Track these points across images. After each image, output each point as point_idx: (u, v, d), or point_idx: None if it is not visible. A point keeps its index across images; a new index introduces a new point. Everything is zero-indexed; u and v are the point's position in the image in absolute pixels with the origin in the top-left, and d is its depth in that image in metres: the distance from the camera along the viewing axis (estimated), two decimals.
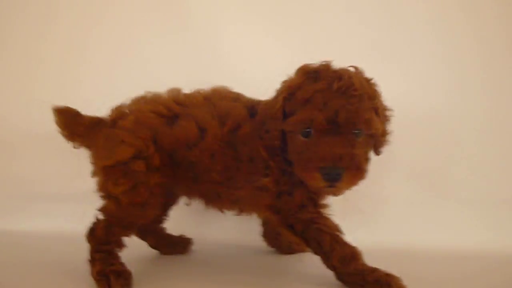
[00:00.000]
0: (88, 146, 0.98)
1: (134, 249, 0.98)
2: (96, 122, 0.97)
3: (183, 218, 1.21)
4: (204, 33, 1.31)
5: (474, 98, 1.20)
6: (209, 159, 0.89)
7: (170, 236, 1.16)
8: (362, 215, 1.02)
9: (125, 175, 0.89)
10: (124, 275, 0.88)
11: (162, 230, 1.15)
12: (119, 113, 0.95)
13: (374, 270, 0.85)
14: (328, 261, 0.87)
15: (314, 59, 0.85)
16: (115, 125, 0.93)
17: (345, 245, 0.86)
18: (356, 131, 0.79)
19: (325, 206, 0.90)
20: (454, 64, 1.21)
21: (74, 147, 1.00)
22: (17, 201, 1.40)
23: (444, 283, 0.91)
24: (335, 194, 0.86)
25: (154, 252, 1.15)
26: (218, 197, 0.94)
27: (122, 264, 0.91)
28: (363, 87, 0.80)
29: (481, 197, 1.20)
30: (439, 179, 1.22)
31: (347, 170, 0.77)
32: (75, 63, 1.37)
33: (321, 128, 0.78)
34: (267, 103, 0.89)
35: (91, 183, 1.32)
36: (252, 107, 0.92)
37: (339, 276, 0.87)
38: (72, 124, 0.97)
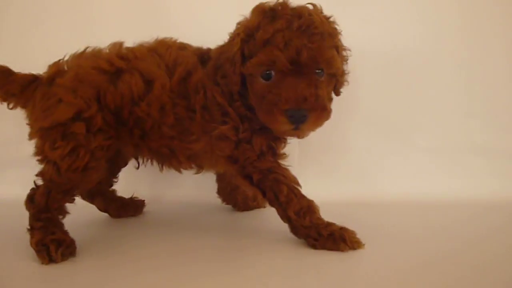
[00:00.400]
0: (23, 106, 0.91)
1: (81, 214, 0.93)
2: (31, 80, 0.89)
3: (135, 179, 1.17)
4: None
5: (439, 44, 1.18)
6: (158, 113, 0.84)
7: (120, 199, 1.11)
8: (320, 167, 1.00)
9: (64, 137, 0.83)
10: (65, 243, 0.83)
11: (112, 192, 1.10)
12: (56, 70, 0.88)
13: (329, 224, 0.84)
14: (283, 213, 0.85)
15: None
16: (52, 82, 0.86)
17: (302, 197, 0.85)
18: (318, 71, 0.77)
19: (283, 156, 0.88)
20: (418, 8, 1.18)
21: (9, 108, 0.92)
22: None
23: (403, 233, 0.92)
24: (299, 136, 0.85)
25: (103, 215, 1.11)
26: (172, 154, 0.90)
27: (64, 232, 0.86)
28: (324, 25, 0.78)
29: (443, 145, 1.20)
30: (399, 127, 1.21)
31: (312, 111, 0.76)
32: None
33: (283, 69, 0.76)
34: (222, 47, 0.85)
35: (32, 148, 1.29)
36: (201, 54, 0.87)
37: (294, 229, 0.86)
38: (4, 82, 0.89)
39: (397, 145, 1.21)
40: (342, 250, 0.82)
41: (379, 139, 1.22)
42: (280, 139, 0.87)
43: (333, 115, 0.82)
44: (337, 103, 0.86)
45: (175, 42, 0.90)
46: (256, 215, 1.11)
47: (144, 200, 1.15)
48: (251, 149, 0.85)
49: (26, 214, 0.89)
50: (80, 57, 0.89)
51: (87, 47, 0.91)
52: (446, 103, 1.19)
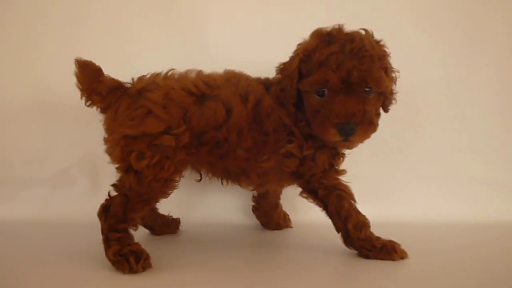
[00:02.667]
0: (104, 108, 0.93)
1: None
2: (118, 86, 0.93)
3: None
4: (190, 19, 1.30)
5: (438, 79, 1.34)
6: (236, 137, 0.91)
7: (163, 216, 1.15)
8: None
9: (151, 148, 0.87)
10: (143, 256, 0.86)
11: (157, 209, 1.13)
12: (145, 85, 0.92)
13: (379, 238, 0.95)
14: (343, 225, 0.94)
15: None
16: (141, 95, 0.90)
17: (359, 213, 0.95)
18: (367, 89, 0.87)
19: (343, 172, 0.97)
20: (421, 46, 1.33)
21: (86, 105, 0.94)
22: None
23: (419, 249, 0.99)
24: (349, 147, 0.94)
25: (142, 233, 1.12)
26: (242, 172, 0.96)
27: (138, 245, 0.88)
28: (373, 48, 0.87)
29: (443, 174, 1.35)
30: (404, 157, 1.35)
31: (360, 125, 0.85)
32: (65, 48, 1.28)
33: (335, 88, 0.85)
34: (284, 64, 0.95)
35: (55, 167, 1.29)
36: (264, 83, 0.97)
37: (349, 240, 0.95)
38: (93, 80, 0.92)
39: (401, 172, 1.35)
40: (393, 259, 0.92)
41: (384, 166, 1.35)
42: (338, 155, 0.97)
43: None
44: None
45: (241, 73, 0.99)
46: (288, 233, 1.19)
47: (179, 219, 1.19)
48: (315, 166, 0.94)
49: (46, 233, 0.94)
50: (168, 78, 0.95)
51: (170, 69, 0.97)
52: (442, 138, 1.35)
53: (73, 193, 1.30)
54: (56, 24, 1.29)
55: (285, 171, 0.95)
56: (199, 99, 0.92)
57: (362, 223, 0.94)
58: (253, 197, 1.20)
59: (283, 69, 0.95)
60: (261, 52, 1.19)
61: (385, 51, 0.91)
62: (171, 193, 0.99)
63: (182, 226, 1.19)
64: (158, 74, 0.96)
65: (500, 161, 1.37)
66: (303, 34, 0.93)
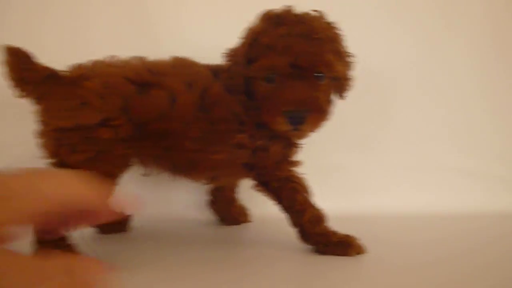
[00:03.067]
0: (38, 98, 0.85)
1: None
2: (52, 74, 0.85)
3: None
4: (144, 5, 1.23)
5: (409, 64, 1.30)
6: (182, 128, 0.86)
7: None
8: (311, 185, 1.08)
9: (87, 142, 0.81)
10: None
11: None
12: (82, 73, 0.85)
13: (336, 232, 0.90)
14: (297, 220, 0.90)
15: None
16: (77, 84, 0.83)
17: (314, 206, 0.90)
18: (318, 74, 0.82)
19: (298, 163, 0.92)
20: (391, 29, 1.29)
21: (19, 96, 0.86)
22: None
23: (387, 243, 0.99)
24: (299, 137, 0.90)
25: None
26: (192, 165, 0.91)
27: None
28: (324, 30, 0.82)
29: (414, 163, 1.32)
30: (374, 146, 1.32)
31: (311, 113, 0.81)
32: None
33: (284, 73, 0.80)
34: (232, 50, 0.89)
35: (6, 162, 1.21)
36: (214, 69, 0.91)
37: (305, 236, 0.90)
38: (25, 68, 0.83)
39: (370, 162, 1.32)
40: (349, 255, 0.88)
41: (354, 157, 1.31)
42: (293, 146, 0.92)
43: (317, 135, 0.88)
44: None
45: (188, 59, 0.93)
46: (245, 228, 1.14)
47: (129, 216, 1.11)
48: (268, 157, 0.89)
49: None
50: (107, 65, 0.88)
51: (112, 55, 0.90)
52: (414, 126, 1.33)
53: None
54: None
55: (237, 163, 0.90)
56: (141, 88, 0.85)
57: (318, 217, 0.90)
58: (210, 190, 1.15)
59: (231, 55, 0.89)
60: (218, 38, 1.12)
61: (337, 33, 0.86)
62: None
63: (134, 223, 1.12)
64: (99, 61, 0.89)
65: (474, 149, 1.35)
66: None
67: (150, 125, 0.85)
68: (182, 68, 0.89)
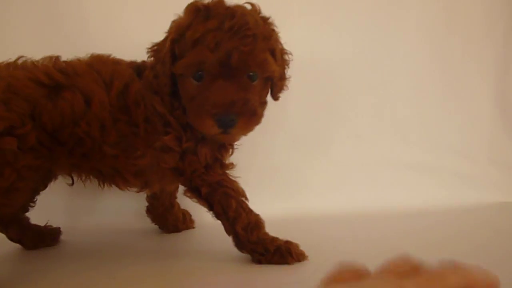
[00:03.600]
0: None
1: None
2: None
3: (46, 206, 1.03)
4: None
5: (354, 58, 1.26)
6: (99, 132, 0.78)
7: (35, 226, 0.99)
8: (247, 187, 1.02)
9: None
10: None
11: (27, 220, 0.98)
12: None
13: (274, 239, 0.85)
14: (231, 227, 0.83)
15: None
16: None
17: (250, 212, 0.84)
18: (250, 74, 0.76)
19: (231, 166, 0.86)
20: (334, 22, 1.25)
21: None
22: None
23: (332, 244, 0.94)
24: (229, 140, 0.84)
25: (15, 246, 0.98)
26: (116, 172, 0.84)
27: None
28: (258, 27, 0.75)
29: (363, 159, 1.29)
30: (320, 143, 1.27)
31: (241, 116, 0.74)
32: None
33: (213, 71, 0.73)
34: (157, 45, 0.81)
35: None
36: (137, 67, 0.84)
37: (239, 244, 0.85)
38: None
39: (315, 161, 1.27)
40: (289, 263, 0.83)
41: (301, 155, 1.26)
42: (225, 147, 0.86)
43: (255, 132, 0.82)
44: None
45: (109, 57, 0.85)
46: (186, 236, 1.07)
47: (60, 228, 1.04)
48: (197, 161, 0.82)
49: None
50: (13, 67, 0.80)
51: (19, 57, 0.81)
52: (362, 121, 1.29)
53: None
54: None
55: (165, 167, 0.83)
56: (52, 91, 0.78)
57: (254, 223, 0.84)
58: (147, 197, 1.07)
59: (156, 50, 0.81)
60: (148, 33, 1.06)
61: (273, 30, 0.80)
62: (32, 200, 0.90)
63: (66, 236, 1.05)
64: (5, 63, 0.81)
65: (427, 144, 1.33)
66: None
67: (63, 131, 0.78)
68: (99, 66, 0.81)
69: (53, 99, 0.77)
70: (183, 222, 1.09)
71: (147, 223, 1.11)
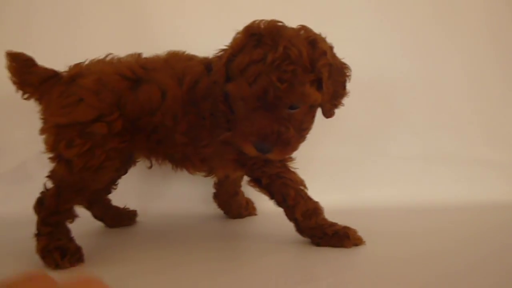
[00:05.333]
0: (38, 99, 0.90)
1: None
2: (51, 75, 0.89)
3: (122, 191, 1.14)
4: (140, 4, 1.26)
5: (411, 54, 1.28)
6: (172, 121, 0.87)
7: (116, 208, 1.11)
8: (304, 177, 1.07)
9: (81, 136, 0.83)
10: (70, 251, 0.83)
11: (108, 201, 1.09)
12: (78, 71, 0.88)
13: (333, 224, 0.90)
14: (291, 214, 0.90)
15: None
16: (73, 82, 0.87)
17: (309, 199, 0.90)
18: (291, 105, 0.77)
19: (290, 159, 0.91)
20: (391, 21, 1.28)
21: (23, 98, 0.91)
22: None
23: (389, 234, 0.98)
24: (272, 159, 0.86)
25: (99, 224, 1.10)
26: (186, 158, 0.92)
27: (70, 239, 0.86)
28: (301, 59, 0.75)
29: (417, 154, 1.30)
30: (373, 139, 1.30)
31: (275, 146, 0.77)
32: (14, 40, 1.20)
33: (251, 104, 0.77)
34: (218, 56, 0.84)
35: (11, 163, 1.26)
36: (208, 64, 0.89)
37: (300, 229, 0.91)
38: (25, 71, 0.89)
39: (373, 154, 1.30)
40: (346, 246, 0.88)
41: (358, 149, 1.30)
42: None
43: (315, 126, 0.85)
44: (320, 116, 0.87)
45: (183, 53, 0.93)
46: (248, 222, 1.15)
47: (136, 211, 1.15)
48: None
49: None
50: (102, 63, 0.90)
51: (108, 54, 0.92)
52: (416, 116, 1.30)
53: (30, 188, 1.26)
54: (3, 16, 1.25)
55: (227, 158, 0.90)
56: (134, 84, 0.87)
57: (312, 210, 0.89)
58: (214, 183, 1.15)
59: (217, 60, 0.84)
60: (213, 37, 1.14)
61: (322, 54, 0.78)
62: (105, 182, 0.95)
63: (141, 218, 1.15)
64: (96, 60, 0.92)
65: (477, 138, 1.32)
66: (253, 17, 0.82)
67: (142, 119, 0.87)
68: (174, 62, 0.90)
69: (135, 91, 0.87)
70: (246, 209, 1.17)
71: (213, 208, 1.19)
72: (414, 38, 1.29)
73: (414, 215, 1.14)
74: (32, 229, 0.98)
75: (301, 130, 0.82)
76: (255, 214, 1.18)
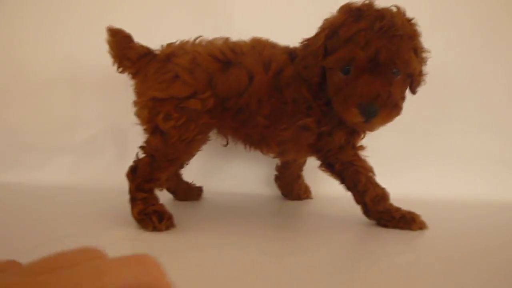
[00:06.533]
0: (135, 73, 0.97)
1: None
2: (147, 52, 0.96)
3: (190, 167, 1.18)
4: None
5: (463, 57, 1.31)
6: (256, 104, 0.93)
7: (186, 183, 1.18)
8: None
9: (177, 110, 0.90)
10: (166, 216, 0.90)
11: (181, 175, 1.16)
12: (173, 50, 0.95)
13: (399, 209, 0.96)
14: (361, 199, 0.96)
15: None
16: (169, 60, 0.93)
17: (377, 186, 0.96)
18: (395, 70, 0.83)
19: (361, 148, 0.97)
20: (446, 25, 1.30)
21: (118, 71, 0.98)
22: (8, 152, 1.35)
23: (438, 226, 0.99)
24: (370, 129, 0.93)
25: (169, 197, 1.17)
26: (263, 139, 0.98)
27: (162, 205, 0.92)
28: (404, 27, 0.82)
29: (466, 153, 1.33)
30: (426, 136, 1.34)
31: (383, 108, 0.82)
32: (92, 23, 1.27)
33: (361, 66, 0.81)
34: (308, 40, 0.92)
35: (83, 136, 1.34)
36: (290, 53, 0.95)
37: (367, 212, 0.97)
38: (124, 46, 0.96)
39: (424, 150, 1.34)
40: (412, 229, 0.93)
41: (405, 143, 1.34)
42: (358, 133, 0.96)
43: None
44: None
45: (268, 40, 0.99)
46: (307, 204, 1.21)
47: (202, 187, 1.22)
48: (332, 142, 0.93)
49: (72, 198, 1.05)
50: (195, 44, 0.97)
51: (198, 36, 0.98)
52: (467, 117, 1.33)
53: (100, 159, 1.35)
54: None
55: (303, 142, 0.96)
56: (224, 65, 0.93)
57: (381, 195, 0.95)
58: (277, 166, 1.22)
59: (307, 45, 0.92)
60: (287, 26, 1.19)
61: (416, 30, 0.87)
62: (195, 154, 1.01)
63: (205, 194, 1.22)
64: (187, 41, 0.98)
65: None
66: (330, 7, 0.89)
67: (230, 99, 0.93)
68: (261, 48, 0.95)
69: (225, 72, 0.93)
70: (304, 192, 1.23)
71: (271, 190, 1.26)
72: (465, 42, 1.32)
73: (461, 207, 1.18)
74: (103, 197, 1.11)
75: (401, 97, 0.88)
76: (311, 198, 1.24)
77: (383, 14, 0.82)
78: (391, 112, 0.84)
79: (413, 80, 0.90)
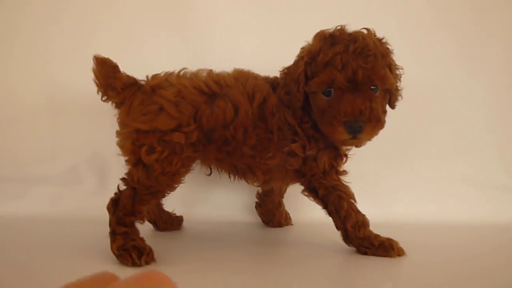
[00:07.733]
0: (119, 103, 0.96)
1: None
2: (133, 82, 0.96)
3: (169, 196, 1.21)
4: (196, 20, 1.34)
5: (439, 80, 1.36)
6: (242, 135, 0.94)
7: (167, 212, 1.18)
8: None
9: (161, 143, 0.91)
10: (146, 251, 0.89)
11: (161, 205, 1.17)
12: (158, 82, 0.95)
13: (378, 236, 0.98)
14: (342, 225, 0.97)
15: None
16: (154, 92, 0.94)
17: (358, 212, 0.98)
18: (373, 87, 0.89)
19: (344, 173, 1.00)
20: (421, 46, 1.34)
21: (103, 100, 0.97)
22: None
23: (417, 252, 1.00)
24: (357, 145, 0.96)
25: (149, 227, 1.16)
26: (249, 169, 0.99)
27: (142, 240, 0.92)
28: (376, 47, 0.88)
29: (442, 174, 1.37)
30: (405, 157, 1.38)
31: (368, 122, 0.87)
32: (76, 49, 1.32)
33: (341, 87, 0.87)
34: (288, 68, 0.97)
35: (63, 165, 1.33)
36: (272, 82, 0.99)
37: (348, 239, 0.98)
38: (110, 76, 0.95)
39: (402, 172, 1.37)
40: (391, 256, 0.95)
41: (387, 167, 1.37)
42: (340, 157, 0.99)
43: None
44: None
45: (249, 72, 1.02)
46: (287, 231, 1.22)
47: (182, 216, 1.22)
48: (316, 166, 0.96)
49: (55, 229, 1.03)
50: (180, 76, 0.98)
51: (182, 69, 0.99)
52: (442, 139, 1.38)
53: (80, 190, 1.34)
54: (68, 26, 1.33)
55: (289, 169, 0.98)
56: (209, 98, 0.95)
57: (361, 222, 0.97)
58: (258, 194, 1.23)
59: (287, 73, 0.96)
60: (266, 52, 1.23)
61: (388, 48, 0.93)
62: (177, 187, 1.00)
63: (185, 223, 1.23)
64: (172, 73, 0.99)
65: (499, 162, 1.39)
66: (306, 34, 0.94)
67: (216, 132, 0.95)
68: (244, 80, 0.98)
69: (210, 105, 0.94)
70: (285, 219, 1.25)
71: (251, 217, 1.28)
72: (444, 57, 1.37)
73: (439, 231, 1.21)
74: (83, 228, 1.09)
75: (383, 111, 0.93)
76: (291, 224, 1.26)
77: (355, 37, 0.89)
78: (376, 125, 0.89)
79: (391, 95, 0.95)
